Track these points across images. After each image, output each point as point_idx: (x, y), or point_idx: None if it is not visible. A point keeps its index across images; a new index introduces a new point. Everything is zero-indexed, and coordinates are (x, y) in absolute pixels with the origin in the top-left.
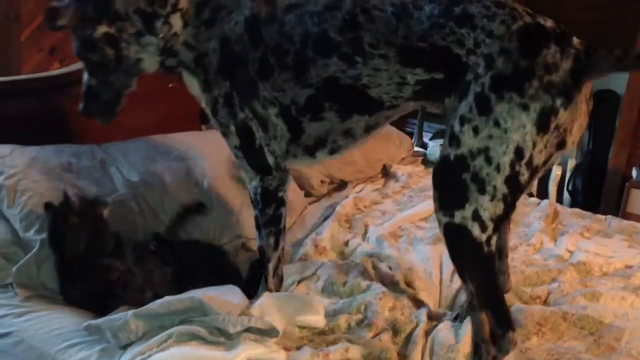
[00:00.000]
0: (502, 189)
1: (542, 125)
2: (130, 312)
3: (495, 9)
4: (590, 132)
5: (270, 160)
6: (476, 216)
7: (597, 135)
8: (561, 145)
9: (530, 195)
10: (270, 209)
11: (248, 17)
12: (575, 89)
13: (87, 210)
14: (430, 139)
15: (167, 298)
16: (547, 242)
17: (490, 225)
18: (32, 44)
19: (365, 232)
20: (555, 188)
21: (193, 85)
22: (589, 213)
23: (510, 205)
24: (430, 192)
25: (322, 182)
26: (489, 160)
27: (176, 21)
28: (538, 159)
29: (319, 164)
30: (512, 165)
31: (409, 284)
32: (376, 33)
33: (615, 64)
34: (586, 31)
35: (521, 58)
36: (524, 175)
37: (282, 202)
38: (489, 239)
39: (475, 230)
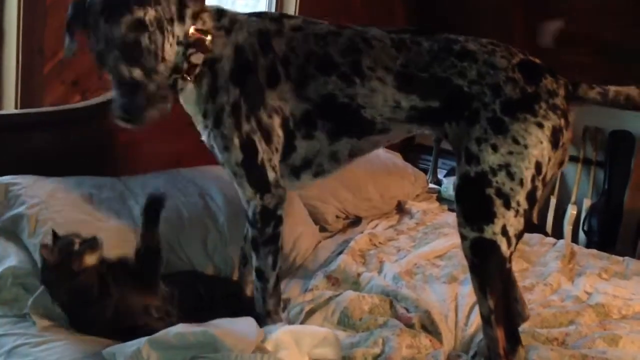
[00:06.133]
0: (524, 204)
1: (555, 141)
2: (145, 339)
3: (492, 46)
4: (606, 172)
5: (271, 176)
6: (504, 232)
7: (612, 175)
8: (561, 164)
9: (546, 234)
10: (269, 227)
11: (259, 29)
12: (569, 113)
13: (64, 264)
14: (445, 176)
15: (181, 329)
16: (564, 283)
17: (514, 241)
18: (55, 77)
19: (381, 267)
20: (571, 228)
21: (190, 96)
22: (606, 254)
23: (528, 222)
24: (445, 230)
25: (337, 217)
26: (511, 176)
27: (207, 19)
28: (549, 175)
29: (302, 188)
30: (533, 179)
31: (424, 327)
32: (375, 58)
33: (597, 97)
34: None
35: (527, 85)
36: (540, 191)
37: (280, 221)
38: (511, 255)
39: (504, 245)
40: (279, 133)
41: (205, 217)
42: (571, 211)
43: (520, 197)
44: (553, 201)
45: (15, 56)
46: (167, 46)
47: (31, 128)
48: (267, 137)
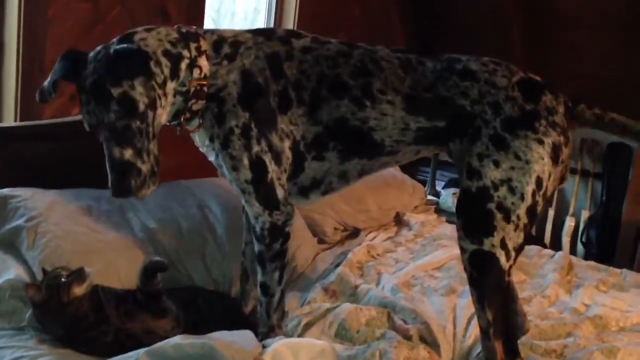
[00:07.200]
0: (524, 218)
1: (555, 157)
2: (142, 350)
3: (493, 65)
4: (604, 184)
5: (280, 194)
6: (503, 245)
7: (610, 187)
8: (561, 180)
9: (544, 246)
10: (277, 243)
11: (269, 53)
12: (569, 130)
13: (52, 297)
14: (443, 188)
15: (179, 340)
16: (562, 295)
17: (513, 255)
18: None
19: (378, 279)
20: (569, 239)
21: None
22: (604, 266)
23: (527, 236)
24: (444, 241)
25: (335, 229)
26: (512, 190)
27: (204, 63)
28: (549, 191)
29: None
30: (534, 194)
31: (422, 339)
32: (385, 80)
33: (594, 120)
34: (604, 87)
35: (526, 103)
36: (540, 206)
37: (288, 237)
38: (510, 268)
39: (502, 258)
40: (288, 155)
41: (204, 229)
42: (569, 223)
43: (521, 211)
44: (551, 213)
45: (15, 68)
46: (159, 113)
47: (30, 140)
48: (277, 159)
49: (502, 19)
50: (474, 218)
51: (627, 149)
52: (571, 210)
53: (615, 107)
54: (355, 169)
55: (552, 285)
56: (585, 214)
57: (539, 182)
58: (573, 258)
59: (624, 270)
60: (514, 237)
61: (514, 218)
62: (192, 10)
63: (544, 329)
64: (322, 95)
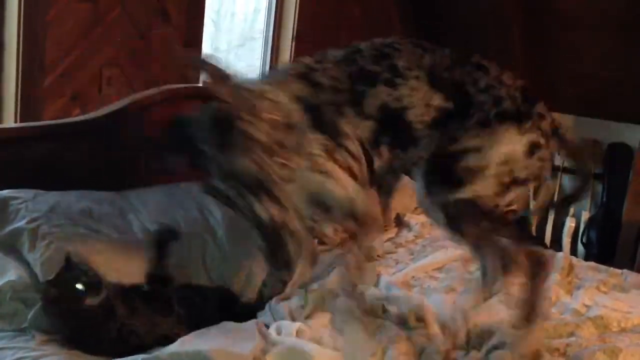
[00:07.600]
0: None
1: (529, 151)
2: (140, 357)
3: (501, 70)
4: (604, 185)
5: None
6: (477, 195)
7: (610, 187)
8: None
9: (545, 247)
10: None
11: (299, 74)
12: (552, 139)
13: (63, 300)
14: None
15: (176, 348)
16: (563, 296)
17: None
18: (55, 91)
19: (378, 280)
20: (569, 240)
21: None
22: (604, 267)
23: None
24: (444, 242)
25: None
26: (479, 155)
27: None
28: (521, 174)
29: None
30: (498, 167)
31: (419, 320)
32: (407, 58)
33: (569, 150)
34: (604, 87)
35: (522, 104)
36: (505, 184)
37: None
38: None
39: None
40: (359, 155)
41: (204, 231)
42: (570, 224)
43: (488, 172)
44: (551, 214)
45: (15, 70)
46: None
47: (31, 141)
48: (359, 160)
49: (502, 19)
50: (446, 175)
51: (627, 149)
52: (571, 210)
53: (615, 107)
54: (399, 163)
55: (553, 286)
56: (585, 215)
57: (506, 159)
58: (573, 259)
59: (625, 270)
60: (487, 190)
61: (480, 176)
62: (192, 11)
63: (545, 328)
64: (359, 89)
